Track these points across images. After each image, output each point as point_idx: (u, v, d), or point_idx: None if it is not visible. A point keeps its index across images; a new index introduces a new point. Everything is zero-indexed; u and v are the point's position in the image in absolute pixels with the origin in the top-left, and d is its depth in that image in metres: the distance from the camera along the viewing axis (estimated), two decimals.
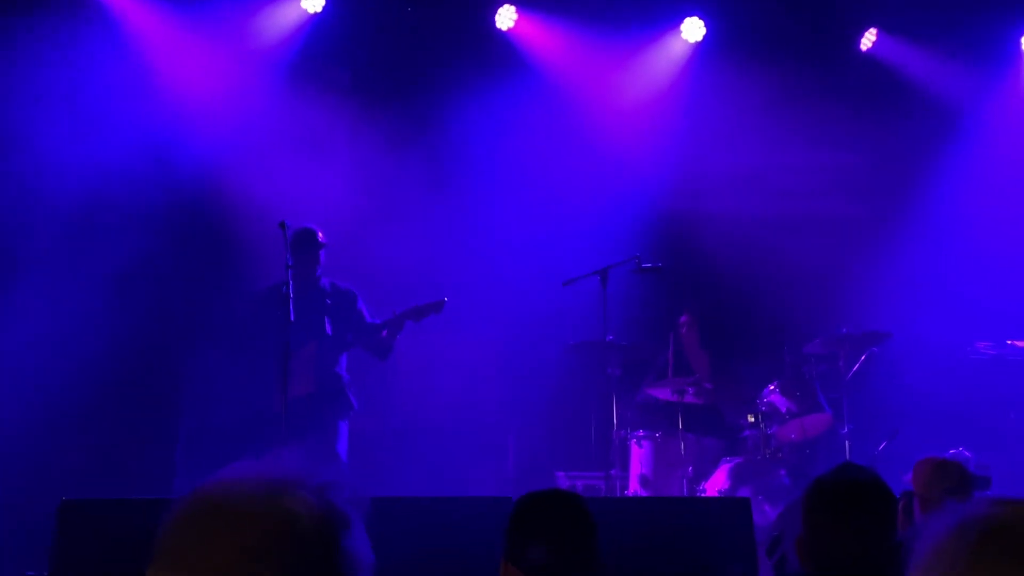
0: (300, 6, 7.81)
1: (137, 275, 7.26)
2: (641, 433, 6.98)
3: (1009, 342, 7.48)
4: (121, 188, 7.22)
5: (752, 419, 6.96)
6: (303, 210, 7.04)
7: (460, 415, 8.06)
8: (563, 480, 7.48)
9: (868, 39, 8.27)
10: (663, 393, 7.17)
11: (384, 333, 6.39)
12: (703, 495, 6.55)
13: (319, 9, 7.82)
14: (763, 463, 6.71)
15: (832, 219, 8.75)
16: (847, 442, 6.92)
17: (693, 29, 8.14)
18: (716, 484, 6.59)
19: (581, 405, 7.72)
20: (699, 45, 8.21)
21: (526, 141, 8.24)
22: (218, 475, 1.21)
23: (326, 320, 6.52)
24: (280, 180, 7.68)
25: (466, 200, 8.14)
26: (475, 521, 4.51)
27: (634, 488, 6.85)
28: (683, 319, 7.62)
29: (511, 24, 8.05)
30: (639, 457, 6.91)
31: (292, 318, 5.48)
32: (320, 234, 6.56)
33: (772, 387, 6.99)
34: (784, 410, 6.93)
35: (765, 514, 6.32)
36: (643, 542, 4.56)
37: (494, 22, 8.04)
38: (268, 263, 6.68)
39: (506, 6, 8.03)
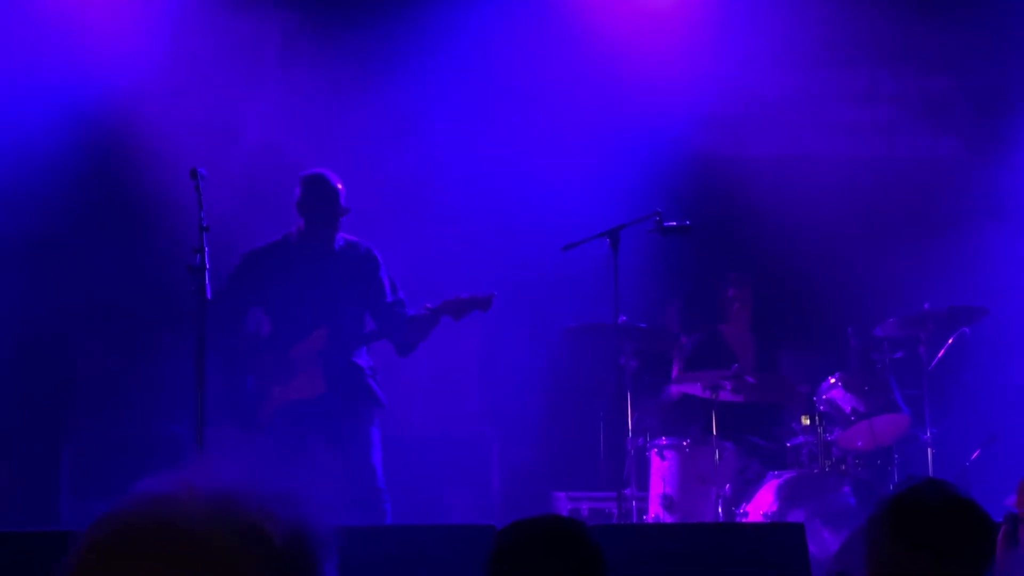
0: None
1: (17, 244, 7.27)
2: (664, 441, 6.99)
3: None
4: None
5: (807, 422, 6.97)
6: (221, 155, 7.01)
7: (432, 420, 8.06)
8: (563, 503, 7.48)
9: None
10: (693, 389, 7.17)
11: (410, 330, 6.33)
12: (744, 520, 6.57)
13: None
14: (821, 478, 6.72)
15: (913, 161, 8.76)
16: (930, 451, 6.93)
17: None
18: (761, 505, 6.61)
19: (586, 406, 7.71)
20: None
21: (511, 64, 8.20)
22: (145, 491, 1.21)
23: (341, 297, 6.42)
24: (197, 117, 7.69)
25: (432, 142, 8.11)
26: (450, 556, 4.51)
27: (655, 512, 6.86)
28: (731, 292, 7.62)
29: None
30: (661, 472, 6.93)
31: (208, 295, 5.44)
32: (340, 186, 6.44)
33: (833, 380, 7.00)
34: (848, 410, 6.94)
35: (824, 543, 6.34)
36: None
37: None
38: (187, 224, 6.66)
39: None
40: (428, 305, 6.26)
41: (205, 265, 5.56)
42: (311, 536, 1.23)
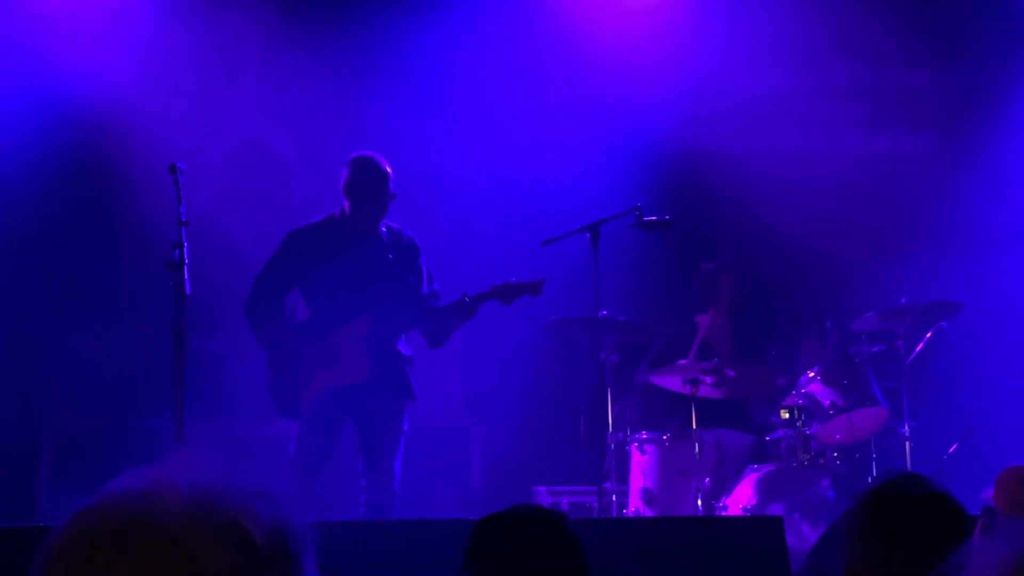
0: None
1: None
2: (644, 435, 7.00)
3: None
4: None
5: (786, 415, 6.99)
6: (202, 150, 6.99)
7: (412, 415, 8.05)
8: (544, 497, 7.49)
9: None
10: (671, 383, 7.18)
11: (445, 319, 6.22)
12: (724, 513, 6.58)
13: None
14: (800, 472, 6.74)
15: (891, 156, 8.78)
16: (908, 444, 6.96)
17: None
18: (740, 499, 6.63)
19: (566, 400, 7.73)
20: None
21: (493, 61, 8.19)
22: (122, 487, 1.18)
23: (385, 283, 6.29)
24: (178, 113, 7.68)
25: (413, 138, 8.10)
26: (430, 551, 4.51)
27: (635, 506, 6.87)
28: (719, 279, 7.63)
29: None
30: (641, 466, 6.94)
31: (188, 290, 5.42)
32: (389, 170, 6.26)
33: (812, 374, 7.02)
34: (827, 403, 6.96)
35: (803, 537, 6.36)
36: (647, 575, 4.58)
37: None
38: (167, 219, 6.66)
39: None
40: (468, 293, 6.11)
41: (184, 260, 5.54)
42: (292, 534, 1.21)
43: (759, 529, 4.99)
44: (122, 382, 7.40)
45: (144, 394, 7.15)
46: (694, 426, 6.89)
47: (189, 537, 1.14)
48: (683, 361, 7.14)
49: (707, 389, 7.06)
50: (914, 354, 7.12)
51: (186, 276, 5.50)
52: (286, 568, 1.19)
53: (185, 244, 5.51)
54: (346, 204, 6.28)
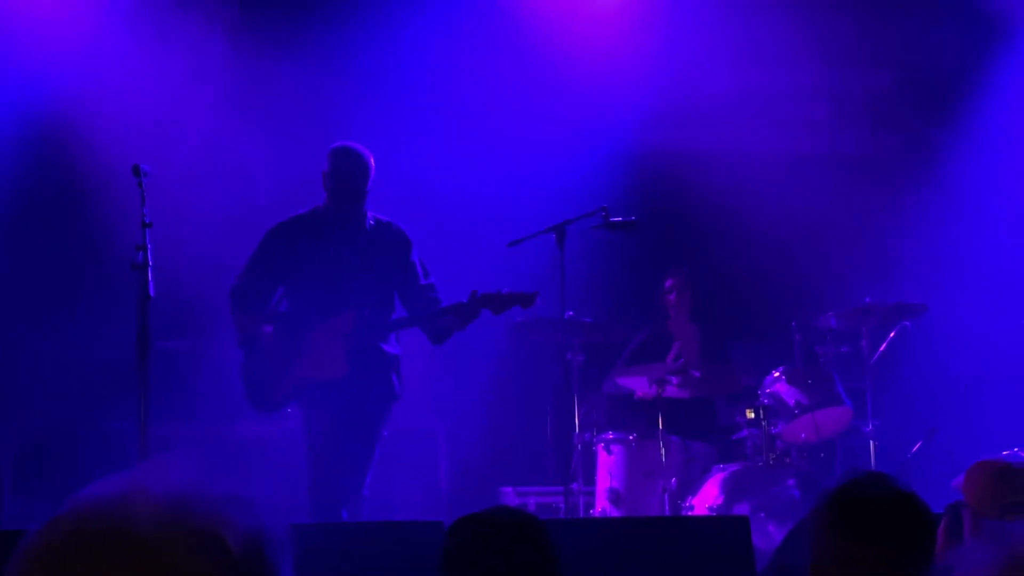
0: None
1: None
2: (610, 436, 7.01)
3: None
4: None
5: (752, 415, 7.02)
6: (167, 152, 6.95)
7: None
8: (511, 497, 7.49)
9: None
10: (638, 384, 7.20)
11: (448, 319, 5.99)
12: (690, 513, 6.60)
13: None
14: (766, 471, 6.77)
15: (854, 158, 8.83)
16: (872, 443, 7.00)
17: None
18: (706, 499, 6.65)
19: (533, 401, 7.72)
20: None
21: (459, 61, 8.18)
22: (95, 494, 1.17)
23: (371, 279, 6.12)
24: (141, 114, 7.64)
25: (379, 137, 8.07)
26: (398, 552, 4.51)
27: (602, 506, 6.88)
28: (668, 283, 7.65)
29: None
30: (608, 466, 6.95)
31: (151, 292, 5.38)
32: (371, 160, 6.15)
33: (777, 374, 7.05)
34: (792, 403, 6.99)
35: (769, 536, 6.39)
36: (614, 575, 4.59)
37: None
38: (131, 221, 6.62)
39: None
40: (476, 292, 5.93)
41: (148, 262, 5.50)
42: (268, 542, 1.20)
43: (725, 528, 5.00)
44: (86, 384, 7.35)
45: (108, 396, 7.10)
46: (660, 427, 6.91)
47: (163, 545, 1.13)
48: (658, 364, 7.17)
49: (673, 389, 7.08)
50: (878, 354, 7.16)
51: (150, 278, 5.46)
52: (262, 575, 1.19)
53: (149, 246, 5.48)
54: (327, 195, 6.17)
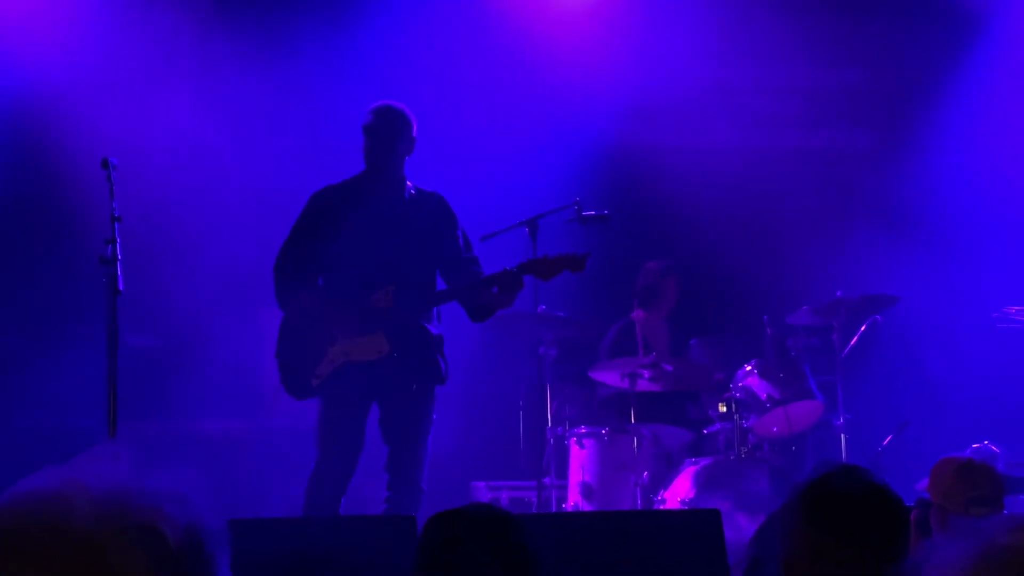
0: None
1: None
2: (583, 430, 7.01)
3: None
4: None
5: (724, 409, 7.04)
6: (136, 145, 6.92)
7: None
8: (483, 492, 7.48)
9: None
10: (609, 378, 7.20)
11: (495, 290, 5.58)
12: (662, 507, 6.61)
13: None
14: (737, 464, 6.79)
15: (826, 154, 8.86)
16: (843, 436, 7.03)
17: None
18: (678, 492, 6.66)
19: (505, 395, 7.72)
20: None
21: (432, 56, 8.16)
22: (31, 488, 1.17)
23: (412, 252, 5.75)
24: (112, 107, 7.60)
25: (353, 132, 8.05)
26: (368, 548, 4.49)
27: (574, 500, 6.89)
28: (668, 281, 7.67)
29: None
30: (580, 460, 6.95)
31: (121, 287, 5.33)
32: (410, 120, 5.80)
33: (749, 368, 7.07)
34: (764, 397, 7.02)
35: (740, 529, 6.41)
36: (586, 569, 4.58)
37: None
38: (100, 215, 6.59)
39: None
40: (508, 268, 5.58)
41: (117, 256, 5.46)
42: (205, 536, 1.20)
43: (697, 522, 5.00)
44: (54, 381, 7.31)
45: (76, 393, 7.05)
46: (632, 420, 6.92)
47: (99, 539, 1.13)
48: (630, 358, 7.18)
49: (645, 383, 7.09)
50: (849, 347, 7.19)
51: (119, 272, 5.42)
52: (199, 569, 1.19)
53: (118, 240, 5.44)
54: (364, 156, 5.86)
